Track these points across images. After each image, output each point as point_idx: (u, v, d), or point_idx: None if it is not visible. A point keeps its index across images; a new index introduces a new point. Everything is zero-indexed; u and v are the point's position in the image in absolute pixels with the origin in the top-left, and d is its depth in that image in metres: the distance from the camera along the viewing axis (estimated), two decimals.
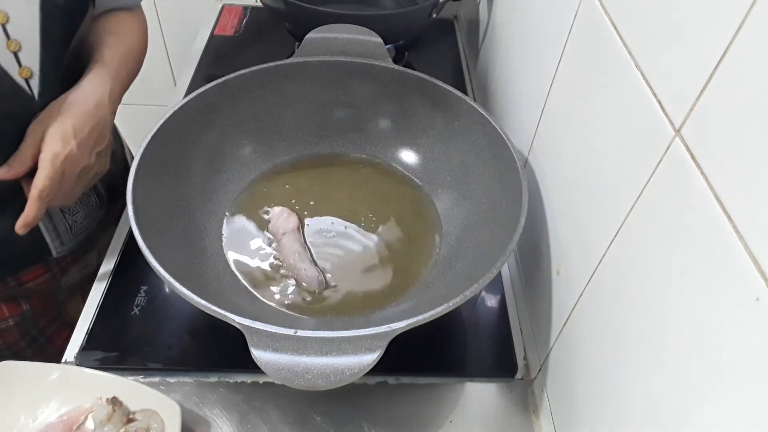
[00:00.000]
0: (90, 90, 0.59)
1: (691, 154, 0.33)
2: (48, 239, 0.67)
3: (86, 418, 0.52)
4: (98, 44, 0.64)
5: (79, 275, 0.74)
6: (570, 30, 0.53)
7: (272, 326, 0.44)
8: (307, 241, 0.64)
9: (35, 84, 0.57)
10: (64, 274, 0.72)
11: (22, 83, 0.56)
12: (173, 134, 0.61)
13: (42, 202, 0.55)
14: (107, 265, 0.67)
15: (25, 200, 0.55)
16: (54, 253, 0.68)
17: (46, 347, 0.74)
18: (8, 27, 0.53)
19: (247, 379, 0.58)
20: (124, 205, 0.54)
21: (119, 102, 0.64)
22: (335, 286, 0.61)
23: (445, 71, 0.98)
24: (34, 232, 0.64)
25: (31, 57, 0.56)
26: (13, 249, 0.64)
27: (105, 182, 0.74)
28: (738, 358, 0.29)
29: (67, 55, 0.60)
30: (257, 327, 0.44)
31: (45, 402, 0.53)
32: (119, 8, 0.68)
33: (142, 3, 0.72)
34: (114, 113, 0.63)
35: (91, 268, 0.67)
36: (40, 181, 0.54)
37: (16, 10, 0.53)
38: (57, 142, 0.55)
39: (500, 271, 0.57)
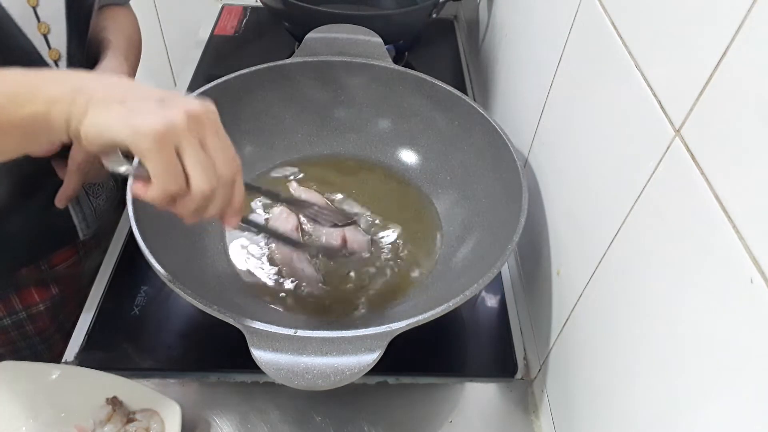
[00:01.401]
0: (111, 69, 0.61)
1: (691, 154, 0.33)
2: (76, 221, 0.68)
3: None
4: (105, 33, 0.66)
5: (99, 259, 0.75)
6: (570, 30, 0.53)
7: (272, 326, 0.44)
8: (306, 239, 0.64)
9: (63, 66, 0.59)
10: (88, 257, 0.74)
11: (52, 65, 0.58)
12: None
13: (80, 174, 0.58)
14: (107, 266, 0.67)
15: (55, 182, 0.58)
16: (81, 236, 0.70)
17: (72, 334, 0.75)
18: (38, 10, 0.55)
19: (247, 379, 0.58)
20: None
21: None
22: (335, 286, 0.60)
23: (445, 71, 0.98)
24: (64, 214, 0.67)
25: (59, 39, 0.58)
26: (46, 231, 0.66)
27: None
28: (738, 359, 0.29)
29: (87, 39, 0.62)
30: (257, 327, 0.44)
31: (45, 402, 0.53)
32: (113, 4, 0.71)
33: (144, 4, 0.73)
34: None
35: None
36: (77, 154, 0.57)
37: None
38: None
39: (500, 271, 0.57)
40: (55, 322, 0.73)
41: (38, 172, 0.61)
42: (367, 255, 0.61)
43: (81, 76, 0.38)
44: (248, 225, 0.58)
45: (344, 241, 0.62)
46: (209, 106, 0.40)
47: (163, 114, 0.36)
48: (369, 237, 0.63)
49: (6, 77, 0.38)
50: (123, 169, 0.40)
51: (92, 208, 0.70)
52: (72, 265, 0.72)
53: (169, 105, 0.37)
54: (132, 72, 0.66)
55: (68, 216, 0.67)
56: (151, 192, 0.38)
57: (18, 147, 0.41)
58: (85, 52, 0.62)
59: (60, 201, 0.60)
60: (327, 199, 0.68)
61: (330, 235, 0.63)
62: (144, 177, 0.38)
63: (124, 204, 0.74)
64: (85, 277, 0.75)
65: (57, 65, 0.58)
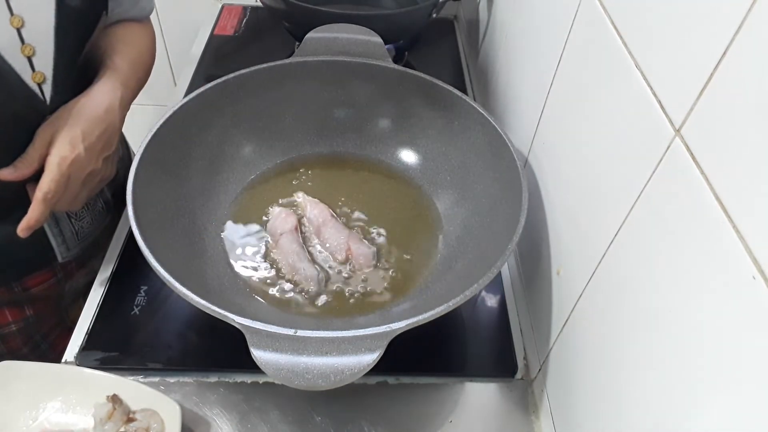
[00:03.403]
0: (101, 96, 0.59)
1: (691, 154, 0.33)
2: (54, 244, 0.67)
3: None
4: (109, 52, 0.64)
5: (84, 280, 0.74)
6: (570, 30, 0.53)
7: (272, 326, 0.44)
8: (306, 240, 0.64)
9: (47, 89, 0.57)
10: (68, 279, 0.72)
11: (35, 88, 0.56)
12: (173, 134, 0.61)
13: (46, 205, 0.54)
14: (107, 266, 0.67)
15: (29, 205, 0.55)
16: (59, 258, 0.68)
17: (49, 353, 0.74)
18: (23, 31, 0.53)
19: (247, 379, 0.58)
20: None
21: (128, 108, 0.65)
22: (334, 285, 0.61)
23: (445, 71, 0.98)
24: (41, 237, 0.64)
25: (45, 62, 0.56)
26: (18, 254, 0.64)
27: (112, 188, 0.74)
28: (740, 358, 0.29)
29: (79, 61, 0.60)
30: (257, 327, 0.44)
31: (45, 402, 0.53)
32: (130, 19, 0.68)
33: None
34: (123, 119, 0.63)
35: (95, 274, 0.67)
36: (45, 183, 0.54)
37: (32, 14, 0.53)
38: (65, 145, 0.55)
39: (500, 271, 0.57)
40: (30, 342, 0.72)
41: (11, 194, 0.58)
42: (372, 269, 0.61)
43: None
44: None
45: (349, 253, 0.62)
46: None
47: None
48: (374, 249, 0.63)
49: None
50: None
51: (74, 231, 0.68)
52: (49, 287, 0.70)
53: None
54: (130, 95, 0.64)
55: (45, 239, 0.65)
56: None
57: None
58: (75, 74, 0.60)
59: (22, 230, 0.55)
60: (328, 204, 0.68)
61: (335, 247, 0.63)
62: None
63: (117, 225, 0.73)
64: (67, 298, 0.73)
65: (41, 88, 0.56)
